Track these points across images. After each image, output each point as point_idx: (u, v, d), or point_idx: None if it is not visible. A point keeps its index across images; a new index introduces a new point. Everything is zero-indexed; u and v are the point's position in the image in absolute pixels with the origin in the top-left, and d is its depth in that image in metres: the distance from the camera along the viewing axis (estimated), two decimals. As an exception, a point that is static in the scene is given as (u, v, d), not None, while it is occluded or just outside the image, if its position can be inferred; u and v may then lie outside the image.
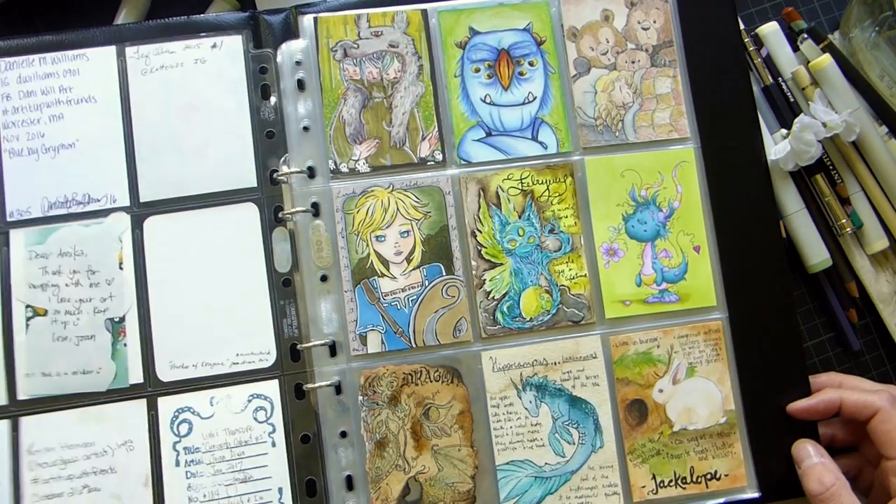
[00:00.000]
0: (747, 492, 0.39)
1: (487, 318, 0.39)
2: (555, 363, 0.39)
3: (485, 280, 0.39)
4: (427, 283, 0.39)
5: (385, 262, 0.39)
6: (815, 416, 0.38)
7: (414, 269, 0.39)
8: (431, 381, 0.38)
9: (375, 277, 0.39)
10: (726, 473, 0.39)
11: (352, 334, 0.38)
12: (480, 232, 0.39)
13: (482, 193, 0.39)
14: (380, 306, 0.39)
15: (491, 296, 0.39)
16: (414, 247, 0.39)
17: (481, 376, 0.38)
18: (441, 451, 0.38)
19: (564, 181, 0.40)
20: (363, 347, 0.38)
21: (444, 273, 0.39)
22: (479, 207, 0.39)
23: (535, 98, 0.40)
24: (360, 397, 0.38)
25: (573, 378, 0.39)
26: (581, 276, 0.39)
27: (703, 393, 0.39)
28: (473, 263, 0.39)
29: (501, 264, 0.39)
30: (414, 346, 0.38)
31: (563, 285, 0.39)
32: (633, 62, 0.41)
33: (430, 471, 0.38)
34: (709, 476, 0.39)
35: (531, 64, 0.41)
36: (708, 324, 0.39)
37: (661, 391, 0.39)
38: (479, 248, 0.39)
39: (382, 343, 0.38)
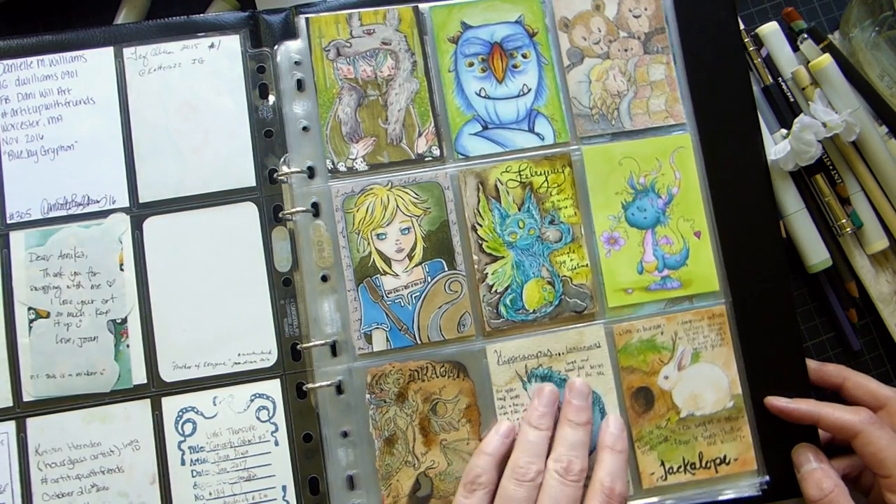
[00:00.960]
0: (757, 475, 0.39)
1: (491, 312, 0.39)
2: (559, 354, 0.39)
3: (487, 274, 0.39)
4: (430, 279, 0.39)
5: (387, 260, 0.39)
6: (788, 419, 0.38)
7: (416, 265, 0.39)
8: (438, 377, 0.38)
9: (378, 275, 0.39)
10: (735, 458, 0.38)
11: (356, 333, 0.38)
12: (481, 226, 0.39)
13: (481, 187, 0.39)
14: (383, 304, 0.39)
15: (493, 289, 0.39)
16: (415, 243, 0.39)
17: (487, 370, 0.38)
18: (450, 445, 0.38)
19: (563, 171, 0.40)
20: (368, 346, 0.38)
21: (447, 268, 0.39)
22: (479, 201, 0.39)
23: (529, 90, 0.40)
24: (368, 395, 0.38)
25: (578, 368, 0.39)
26: (583, 266, 0.39)
27: (709, 378, 0.39)
28: (475, 258, 0.39)
29: (503, 257, 0.39)
30: (419, 342, 0.38)
31: (564, 276, 0.39)
32: (625, 50, 0.41)
33: (439, 465, 0.38)
34: (718, 461, 0.38)
35: (524, 56, 0.41)
36: (711, 309, 0.39)
37: (666, 378, 0.39)
38: (479, 241, 0.39)
39: (387, 341, 0.38)
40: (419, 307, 0.39)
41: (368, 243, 0.39)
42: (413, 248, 0.39)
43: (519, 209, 0.39)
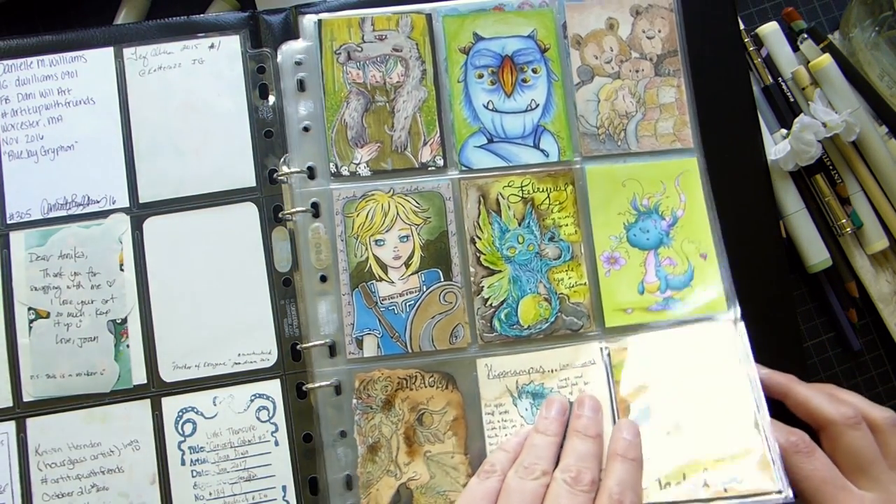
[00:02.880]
0: (774, 496, 0.36)
1: (485, 325, 0.39)
2: (552, 370, 0.38)
3: (483, 287, 0.39)
4: (425, 288, 0.39)
5: (384, 267, 0.39)
6: (764, 388, 0.37)
7: (412, 273, 0.39)
8: (426, 387, 0.38)
9: (374, 281, 0.39)
10: (748, 477, 0.36)
11: (348, 338, 0.38)
12: (480, 238, 0.39)
13: (482, 200, 0.39)
14: (377, 310, 0.39)
15: (489, 303, 0.39)
16: (413, 252, 0.39)
17: (476, 383, 0.38)
18: (434, 457, 0.37)
19: (565, 189, 0.40)
20: (359, 351, 0.38)
21: (443, 279, 0.39)
22: (479, 214, 0.39)
23: (537, 105, 0.40)
24: (355, 400, 0.38)
25: (570, 385, 0.38)
26: (581, 284, 0.39)
27: (715, 395, 0.37)
28: (472, 270, 0.39)
29: (500, 271, 0.39)
30: (410, 351, 0.38)
31: (562, 293, 0.39)
32: (636, 71, 0.41)
33: (421, 478, 0.37)
34: (727, 479, 0.36)
35: (534, 71, 0.40)
36: (718, 328, 0.38)
37: (666, 392, 0.38)
38: (477, 254, 0.39)
39: (379, 347, 0.38)
40: (413, 316, 0.39)
41: (366, 249, 0.39)
42: (410, 257, 0.39)
43: (519, 224, 0.39)
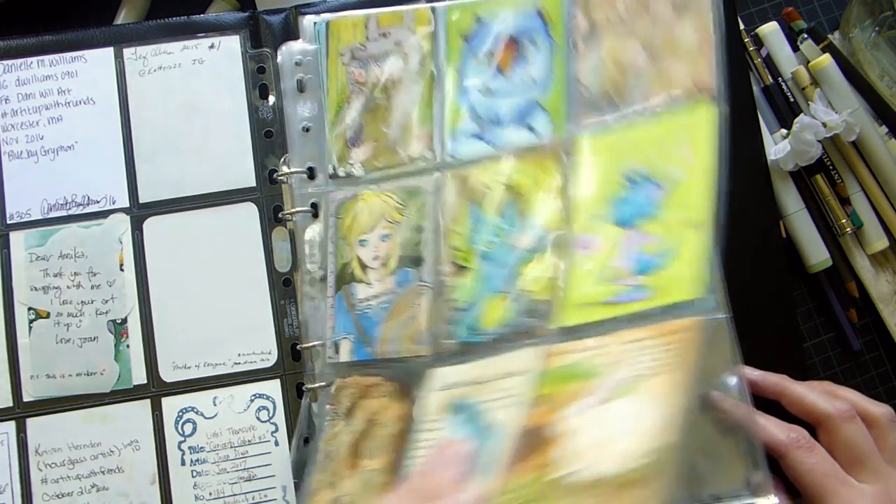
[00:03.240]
0: None
1: (445, 330, 0.36)
2: (488, 381, 0.35)
3: (449, 286, 0.36)
4: (399, 289, 0.37)
5: (364, 268, 0.38)
6: (756, 391, 0.36)
7: (389, 274, 0.38)
8: (382, 396, 0.36)
9: (354, 283, 0.38)
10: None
11: (328, 341, 0.38)
12: (457, 233, 0.37)
13: (463, 192, 0.38)
14: (354, 314, 0.38)
15: (452, 304, 0.36)
16: (391, 251, 0.38)
17: (426, 395, 0.35)
18: (366, 474, 0.35)
19: (553, 173, 0.36)
20: (337, 356, 0.37)
21: (413, 279, 0.37)
22: (458, 208, 0.37)
23: (534, 82, 0.38)
24: (328, 406, 0.37)
25: (502, 398, 0.34)
26: (548, 277, 0.35)
27: (631, 418, 0.29)
28: (443, 268, 0.37)
29: (470, 269, 0.36)
30: (377, 357, 0.37)
31: (527, 291, 0.36)
32: (652, 20, 0.36)
33: (351, 496, 0.34)
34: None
35: (535, 44, 0.38)
36: (682, 322, 0.31)
37: (570, 416, 0.30)
38: (452, 251, 0.37)
39: (351, 352, 0.37)
40: (385, 319, 0.37)
41: (351, 250, 0.38)
42: (388, 257, 0.38)
43: (499, 216, 0.37)
